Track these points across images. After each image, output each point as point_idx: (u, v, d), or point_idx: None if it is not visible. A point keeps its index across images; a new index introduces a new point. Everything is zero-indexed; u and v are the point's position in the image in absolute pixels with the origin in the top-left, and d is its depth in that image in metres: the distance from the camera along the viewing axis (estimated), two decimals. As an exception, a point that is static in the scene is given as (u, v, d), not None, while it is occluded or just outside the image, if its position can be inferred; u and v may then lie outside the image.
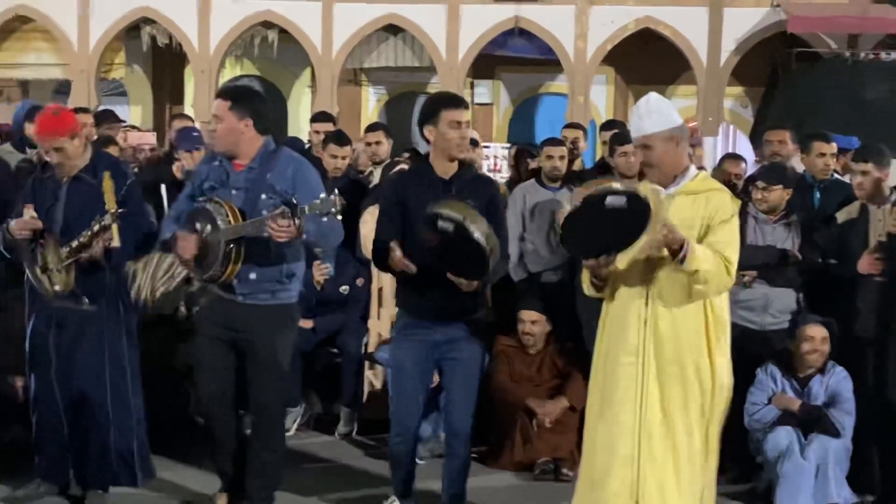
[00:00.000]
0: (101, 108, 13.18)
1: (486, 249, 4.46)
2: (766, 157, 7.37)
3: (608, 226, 4.07)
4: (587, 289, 4.44)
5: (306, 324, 6.85)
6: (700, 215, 4.24)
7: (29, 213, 5.02)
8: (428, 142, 4.87)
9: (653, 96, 4.35)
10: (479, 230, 4.44)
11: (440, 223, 4.48)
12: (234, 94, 5.02)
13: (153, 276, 6.33)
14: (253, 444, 5.12)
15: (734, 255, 4.23)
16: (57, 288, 5.00)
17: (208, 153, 5.29)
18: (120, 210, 4.85)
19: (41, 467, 5.32)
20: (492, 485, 5.99)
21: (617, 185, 4.11)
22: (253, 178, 4.90)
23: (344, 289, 6.88)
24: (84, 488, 5.30)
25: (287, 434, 6.65)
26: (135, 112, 18.36)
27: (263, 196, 4.86)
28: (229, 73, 18.41)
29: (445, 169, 4.87)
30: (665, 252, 4.15)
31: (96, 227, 4.84)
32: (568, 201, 6.43)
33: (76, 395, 5.15)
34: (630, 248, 4.17)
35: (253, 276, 4.85)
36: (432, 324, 4.81)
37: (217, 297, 4.95)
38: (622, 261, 4.24)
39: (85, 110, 8.66)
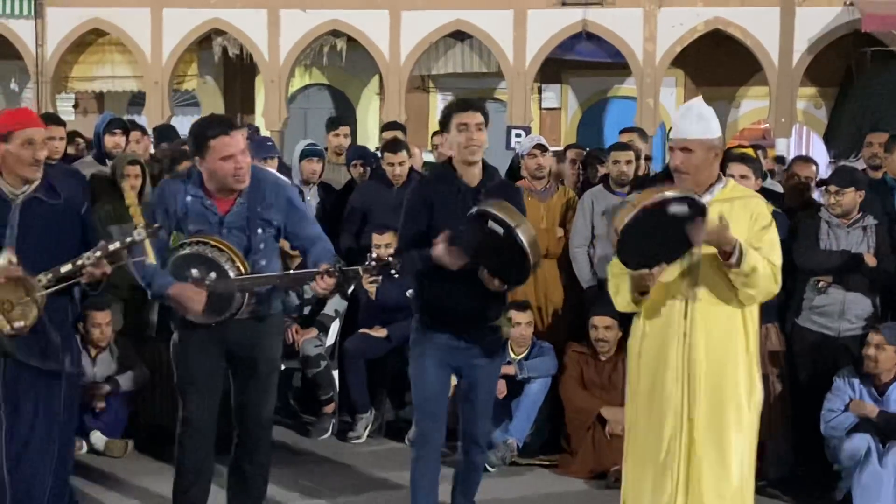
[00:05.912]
0: (165, 121, 13.29)
1: (529, 260, 4.36)
2: (866, 160, 7.25)
3: (666, 234, 3.99)
4: (625, 304, 4.31)
5: (380, 332, 6.92)
6: (739, 222, 4.17)
7: (8, 256, 4.12)
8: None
9: (701, 103, 4.27)
10: (527, 240, 4.33)
11: (491, 224, 4.35)
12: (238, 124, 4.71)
13: None
14: (237, 457, 4.83)
15: (779, 262, 4.22)
16: (18, 324, 4.14)
17: (180, 178, 4.78)
18: (157, 225, 4.30)
19: None
20: (564, 493, 5.96)
21: (676, 193, 3.99)
22: (246, 215, 4.58)
23: (411, 293, 6.89)
24: None
25: (358, 441, 6.80)
26: (207, 122, 18.62)
27: (260, 231, 4.61)
28: (299, 82, 18.61)
29: (471, 176, 4.68)
30: (709, 251, 4.08)
31: (114, 246, 4.12)
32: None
33: (22, 447, 4.30)
34: (683, 257, 4.11)
35: (253, 298, 4.64)
36: (452, 330, 4.66)
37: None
38: (666, 273, 4.14)
39: (142, 129, 8.48)
